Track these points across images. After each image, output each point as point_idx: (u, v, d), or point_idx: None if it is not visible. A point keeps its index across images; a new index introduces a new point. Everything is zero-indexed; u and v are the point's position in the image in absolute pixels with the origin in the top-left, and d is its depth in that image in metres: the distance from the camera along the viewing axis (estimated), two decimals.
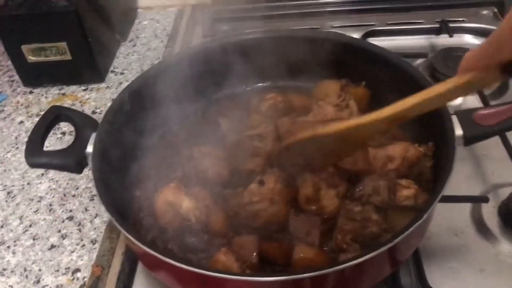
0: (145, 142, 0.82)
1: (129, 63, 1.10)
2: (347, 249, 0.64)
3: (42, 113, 0.98)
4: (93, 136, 0.71)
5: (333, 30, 1.15)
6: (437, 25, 1.13)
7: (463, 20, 1.13)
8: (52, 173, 0.84)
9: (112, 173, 0.69)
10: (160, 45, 1.16)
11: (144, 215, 0.73)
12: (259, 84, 0.92)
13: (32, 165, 0.68)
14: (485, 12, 1.17)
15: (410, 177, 0.69)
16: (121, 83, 1.05)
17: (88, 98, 1.01)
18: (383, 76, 0.83)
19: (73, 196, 0.80)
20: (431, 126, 0.72)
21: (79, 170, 0.69)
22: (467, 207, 0.76)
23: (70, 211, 0.78)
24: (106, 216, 0.76)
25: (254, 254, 0.62)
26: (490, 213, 0.74)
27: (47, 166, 0.68)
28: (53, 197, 0.80)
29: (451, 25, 1.11)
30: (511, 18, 0.42)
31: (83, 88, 1.04)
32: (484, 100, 0.90)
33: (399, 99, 0.77)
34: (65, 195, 0.80)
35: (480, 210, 0.75)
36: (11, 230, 0.76)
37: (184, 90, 0.85)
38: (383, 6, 1.20)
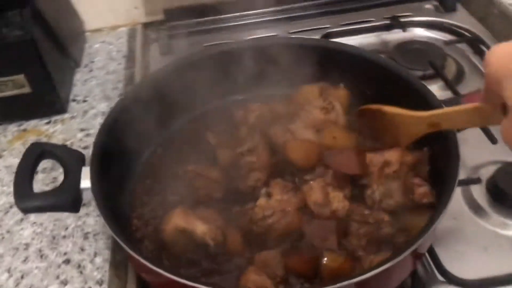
0: (135, 169, 0.79)
1: (89, 89, 1.05)
2: (364, 252, 0.64)
3: (4, 153, 0.92)
4: (84, 170, 0.66)
5: (291, 35, 1.16)
6: (388, 22, 1.18)
7: (410, 15, 1.19)
8: (33, 216, 0.78)
9: (110, 205, 0.66)
10: (119, 67, 1.11)
11: (148, 243, 0.69)
12: (237, 97, 0.90)
13: (26, 210, 0.62)
14: (427, 6, 1.24)
15: None
16: (86, 111, 0.99)
17: (54, 132, 0.94)
18: (359, 74, 0.85)
19: (64, 237, 0.74)
20: None
21: (76, 208, 0.65)
22: (457, 190, 0.80)
23: (65, 253, 0.72)
24: (106, 253, 0.71)
25: (281, 268, 0.61)
26: (479, 192, 0.78)
27: (42, 209, 0.63)
28: (41, 241, 0.74)
29: (401, 19, 1.17)
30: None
31: (46, 121, 0.97)
32: (451, 86, 0.95)
33: (378, 95, 0.81)
34: (54, 238, 0.74)
35: (471, 191, 0.79)
36: (1, 286, 0.69)
37: (164, 110, 0.83)
38: (334, 8, 1.23)
